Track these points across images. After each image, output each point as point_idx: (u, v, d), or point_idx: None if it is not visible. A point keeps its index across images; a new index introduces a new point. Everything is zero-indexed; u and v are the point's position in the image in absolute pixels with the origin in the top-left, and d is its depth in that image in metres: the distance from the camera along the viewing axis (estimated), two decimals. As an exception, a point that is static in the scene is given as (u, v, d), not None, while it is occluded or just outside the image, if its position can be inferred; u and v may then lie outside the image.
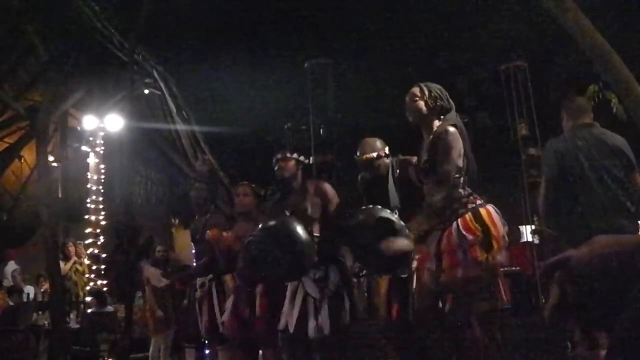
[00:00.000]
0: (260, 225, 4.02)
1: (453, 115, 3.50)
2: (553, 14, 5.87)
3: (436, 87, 3.52)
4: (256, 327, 4.54)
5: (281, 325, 4.23)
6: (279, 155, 4.44)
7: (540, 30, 9.28)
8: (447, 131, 3.33)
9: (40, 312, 9.21)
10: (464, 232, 3.21)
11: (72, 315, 9.46)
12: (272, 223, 3.99)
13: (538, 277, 7.38)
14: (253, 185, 5.01)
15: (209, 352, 5.27)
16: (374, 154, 4.24)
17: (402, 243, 3.20)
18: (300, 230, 3.91)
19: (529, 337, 5.82)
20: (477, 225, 3.21)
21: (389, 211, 3.53)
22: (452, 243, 3.23)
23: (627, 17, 8.67)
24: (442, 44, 10.09)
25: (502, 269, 3.65)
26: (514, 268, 7.75)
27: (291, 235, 3.87)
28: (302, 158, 4.49)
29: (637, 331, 1.43)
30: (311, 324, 4.06)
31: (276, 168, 4.44)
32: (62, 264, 9.56)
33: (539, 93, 8.98)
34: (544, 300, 7.14)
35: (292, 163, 4.42)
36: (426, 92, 3.49)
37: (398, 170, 4.15)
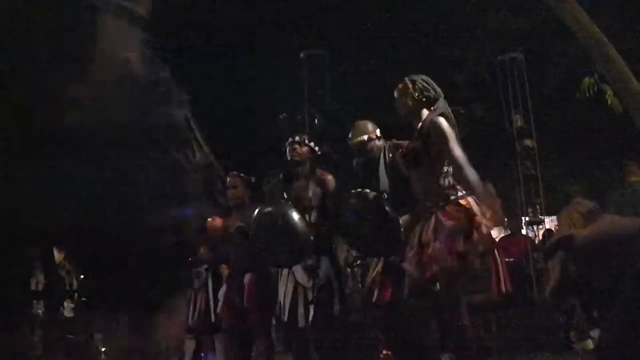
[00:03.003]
0: (256, 211, 4.05)
1: (442, 103, 3.48)
2: (550, 6, 5.86)
3: (420, 79, 3.51)
4: (247, 317, 4.54)
5: (275, 315, 4.26)
6: (296, 139, 4.44)
7: (536, 23, 9.27)
8: (436, 122, 3.33)
9: (35, 302, 9.17)
10: (443, 223, 3.21)
11: (66, 304, 9.43)
12: (268, 209, 4.04)
13: (532, 267, 7.43)
14: (242, 175, 4.86)
15: (204, 342, 5.28)
16: (365, 137, 4.26)
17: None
18: (296, 216, 3.96)
19: (523, 327, 5.86)
20: (458, 215, 3.21)
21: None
22: (431, 235, 3.24)
23: (624, 11, 8.67)
24: (438, 36, 10.07)
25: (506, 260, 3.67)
26: (507, 259, 7.78)
27: (287, 221, 3.92)
28: (315, 147, 4.48)
29: (635, 308, 1.45)
30: (300, 312, 4.09)
31: (288, 150, 4.42)
32: (55, 252, 9.51)
33: (535, 85, 8.99)
34: (538, 292, 7.19)
35: (305, 149, 4.42)
36: (410, 86, 3.48)
37: (390, 155, 4.15)
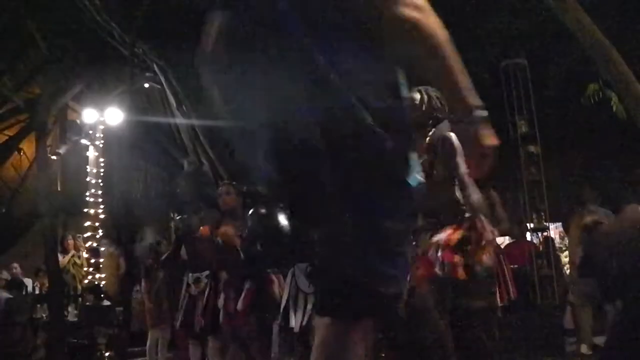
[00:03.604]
0: (250, 212, 4.13)
1: (446, 124, 3.54)
2: (553, 11, 5.86)
3: (436, 97, 3.56)
4: (246, 323, 4.57)
5: (277, 320, 4.30)
6: None
7: (540, 27, 9.25)
8: (446, 137, 3.38)
9: (38, 305, 9.21)
10: (456, 237, 3.24)
11: (70, 309, 9.45)
12: (263, 211, 4.12)
13: (536, 274, 7.42)
14: (234, 184, 5.08)
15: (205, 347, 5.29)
16: None
17: None
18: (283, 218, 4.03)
19: (526, 333, 5.85)
20: (470, 234, 3.25)
21: None
22: (441, 245, 3.27)
23: (627, 15, 8.66)
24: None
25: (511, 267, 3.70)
26: (512, 265, 7.77)
27: (275, 222, 3.99)
28: None
29: (636, 308, 1.45)
30: (298, 317, 4.14)
31: None
32: (60, 257, 9.55)
33: (539, 90, 8.96)
34: (540, 298, 7.17)
35: None
36: (426, 100, 3.54)
37: None
